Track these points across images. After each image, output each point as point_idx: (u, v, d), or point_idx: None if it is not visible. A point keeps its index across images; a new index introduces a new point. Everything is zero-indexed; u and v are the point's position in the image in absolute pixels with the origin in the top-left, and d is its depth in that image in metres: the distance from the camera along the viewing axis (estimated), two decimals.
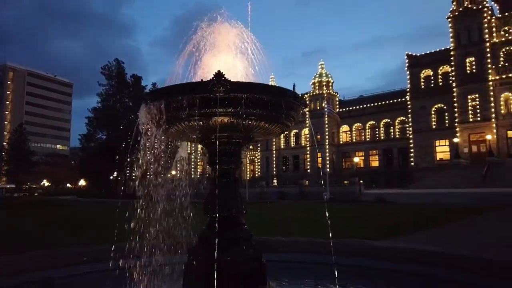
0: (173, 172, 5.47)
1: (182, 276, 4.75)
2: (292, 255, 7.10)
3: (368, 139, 63.62)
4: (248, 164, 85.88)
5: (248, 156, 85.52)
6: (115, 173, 58.49)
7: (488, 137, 44.59)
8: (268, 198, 38.36)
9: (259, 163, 75.98)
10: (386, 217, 17.05)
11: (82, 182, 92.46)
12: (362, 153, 63.75)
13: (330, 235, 5.57)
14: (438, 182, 40.57)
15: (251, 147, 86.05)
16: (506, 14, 47.20)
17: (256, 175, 75.02)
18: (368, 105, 63.94)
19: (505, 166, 40.54)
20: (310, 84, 69.16)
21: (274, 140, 71.40)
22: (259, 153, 75.50)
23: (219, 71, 3.95)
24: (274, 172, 71.31)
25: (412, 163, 53.42)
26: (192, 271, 4.52)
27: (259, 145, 73.91)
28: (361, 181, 37.96)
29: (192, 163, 77.27)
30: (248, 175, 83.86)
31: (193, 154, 74.93)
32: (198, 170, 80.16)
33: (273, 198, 39.75)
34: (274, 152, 71.82)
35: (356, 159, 61.65)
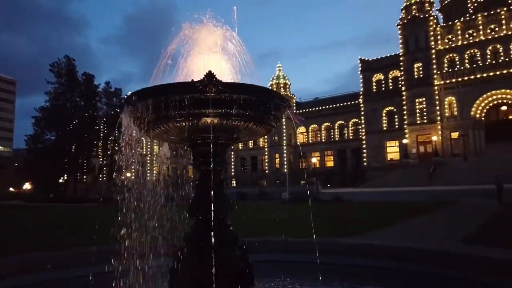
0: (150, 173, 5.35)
1: (167, 279, 4.66)
2: (267, 255, 7.17)
3: (323, 140, 65.46)
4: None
5: None
6: (66, 175, 55.55)
7: (434, 138, 47.63)
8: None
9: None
10: (348, 215, 17.67)
11: (27, 186, 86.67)
12: (318, 154, 65.49)
13: (316, 234, 5.70)
14: (389, 181, 42.64)
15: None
16: (450, 23, 50.63)
17: None
18: (324, 107, 65.85)
19: (449, 165, 43.47)
20: (267, 86, 69.79)
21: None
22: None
23: (210, 71, 3.91)
24: (233, 173, 71.28)
25: (365, 163, 55.72)
26: (179, 274, 4.44)
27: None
28: (318, 181, 39.02)
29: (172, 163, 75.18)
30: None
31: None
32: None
33: (233, 199, 39.76)
34: (232, 153, 71.74)
35: (313, 160, 63.20)
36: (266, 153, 67.76)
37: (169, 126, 4.23)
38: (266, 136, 68.29)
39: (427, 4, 51.49)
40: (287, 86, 69.49)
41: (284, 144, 64.22)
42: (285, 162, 63.22)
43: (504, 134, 45.06)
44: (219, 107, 3.95)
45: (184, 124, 4.13)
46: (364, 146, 56.09)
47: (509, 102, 45.80)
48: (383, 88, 54.37)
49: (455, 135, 47.41)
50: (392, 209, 20.09)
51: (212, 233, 4.42)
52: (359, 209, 21.01)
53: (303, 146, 66.40)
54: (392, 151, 53.84)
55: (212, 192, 4.59)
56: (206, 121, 4.13)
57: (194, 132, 4.40)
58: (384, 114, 54.52)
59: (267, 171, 66.55)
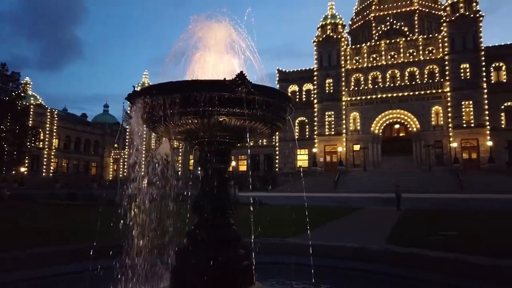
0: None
1: (170, 276, 4.55)
2: None
3: (238, 145, 66.56)
4: (111, 164, 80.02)
5: (112, 155, 79.79)
6: None
7: (339, 149, 52.06)
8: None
9: (125, 163, 71.50)
10: (275, 217, 18.43)
11: None
12: (232, 158, 66.43)
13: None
14: (299, 187, 45.33)
15: (115, 145, 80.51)
16: (358, 46, 56.09)
17: (120, 175, 70.47)
18: None
19: (351, 174, 47.93)
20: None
21: (145, 140, 68.40)
22: (125, 153, 71.09)
23: (241, 71, 4.00)
24: (143, 173, 68.22)
25: (277, 169, 58.28)
26: (183, 272, 4.38)
27: (126, 143, 69.77)
28: (235, 185, 39.65)
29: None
30: (110, 175, 78.09)
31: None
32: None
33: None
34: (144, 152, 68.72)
35: (233, 163, 63.95)
36: (181, 154, 66.50)
37: (187, 122, 4.17)
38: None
39: (339, 26, 56.28)
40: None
41: None
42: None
43: (396, 149, 51.46)
44: (247, 108, 4.04)
45: (203, 121, 4.12)
46: (277, 152, 58.66)
47: (402, 121, 52.36)
48: (297, 99, 57.65)
49: (357, 147, 52.45)
50: (310, 213, 21.46)
51: (215, 232, 4.46)
52: (282, 212, 22.00)
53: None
54: (302, 158, 57.30)
55: (216, 191, 4.63)
56: (225, 120, 4.17)
57: (207, 130, 4.40)
58: (296, 124, 57.79)
59: (180, 173, 65.27)
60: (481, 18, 48.82)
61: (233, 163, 62.88)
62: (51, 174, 64.79)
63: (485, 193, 33.25)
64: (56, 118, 67.19)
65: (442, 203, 28.47)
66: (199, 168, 4.82)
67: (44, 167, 64.39)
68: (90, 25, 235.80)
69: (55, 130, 66.80)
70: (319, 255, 7.02)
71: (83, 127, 75.28)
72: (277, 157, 58.61)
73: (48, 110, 65.97)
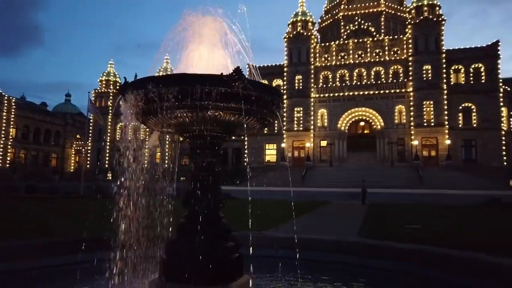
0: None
1: (159, 269, 4.58)
2: None
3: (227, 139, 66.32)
4: (73, 155, 77.08)
5: (74, 146, 76.85)
6: None
7: (307, 144, 53.02)
8: (107, 193, 35.82)
9: (89, 155, 69.19)
10: (246, 211, 18.60)
11: None
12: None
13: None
14: (267, 181, 45.81)
15: (78, 136, 77.51)
16: (327, 44, 57.12)
17: (84, 167, 68.07)
18: None
19: (317, 169, 48.99)
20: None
21: (109, 130, 66.47)
22: (89, 144, 68.77)
23: (238, 67, 4.08)
24: (107, 166, 66.28)
25: (245, 163, 58.49)
26: (173, 264, 4.43)
27: (90, 134, 67.49)
28: None
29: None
30: (71, 167, 75.28)
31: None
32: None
33: (112, 193, 37.25)
34: (108, 143, 66.75)
35: None
36: (147, 146, 65.19)
37: (183, 115, 4.20)
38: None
39: (310, 24, 57.03)
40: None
41: (168, 140, 62.80)
42: (167, 157, 61.96)
43: (361, 145, 53.10)
44: (243, 103, 4.12)
45: (199, 114, 4.17)
46: (245, 146, 58.83)
47: (367, 119, 54.01)
48: None
49: (324, 143, 53.61)
50: (281, 206, 21.84)
51: (206, 224, 4.53)
52: (252, 206, 22.23)
53: (184, 142, 65.93)
54: (270, 153, 57.83)
55: (207, 184, 4.70)
56: (220, 114, 4.24)
57: (201, 124, 4.45)
58: None
59: (146, 165, 63.97)
60: (443, 22, 51.12)
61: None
62: (7, 165, 61.53)
63: (443, 189, 35.13)
64: (14, 106, 63.78)
65: (404, 198, 29.81)
66: (190, 161, 4.85)
67: (0, 157, 61.05)
68: (52, 11, 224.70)
69: (12, 119, 63.42)
70: (298, 248, 7.24)
71: (43, 116, 71.86)
72: (246, 151, 58.82)
73: (6, 98, 62.48)
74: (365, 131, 54.99)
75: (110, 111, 67.51)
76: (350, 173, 44.02)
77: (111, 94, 68.41)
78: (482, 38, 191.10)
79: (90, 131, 66.68)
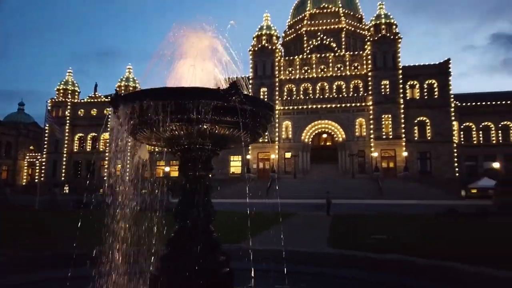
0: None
1: (149, 285, 4.46)
2: None
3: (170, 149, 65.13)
4: (25, 168, 72.83)
5: (27, 158, 72.71)
6: None
7: (272, 156, 53.55)
8: (63, 207, 34.12)
9: (43, 167, 65.67)
10: (218, 223, 18.44)
11: None
12: (163, 163, 64.71)
13: None
14: (233, 192, 45.65)
15: (31, 147, 73.41)
16: (291, 58, 58.44)
17: (37, 180, 64.52)
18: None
19: (282, 181, 49.48)
20: (115, 87, 65.77)
21: (66, 141, 63.61)
22: (44, 156, 65.35)
23: (234, 81, 4.13)
24: (63, 178, 63.22)
25: (209, 175, 57.99)
26: (163, 280, 4.34)
27: (45, 146, 64.21)
28: (169, 191, 38.72)
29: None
30: (24, 180, 71.07)
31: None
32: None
33: (70, 207, 35.47)
34: (64, 155, 63.77)
35: (167, 169, 62.11)
36: (107, 158, 62.94)
37: (178, 128, 4.18)
38: (107, 140, 63.48)
39: (274, 37, 58.21)
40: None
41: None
42: (128, 169, 60.16)
43: (323, 157, 54.37)
44: (240, 117, 4.15)
45: (194, 128, 4.16)
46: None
47: (329, 131, 55.52)
48: None
49: (288, 155, 54.36)
50: (250, 218, 21.77)
51: (196, 239, 4.49)
52: (220, 218, 22.04)
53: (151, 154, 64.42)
54: (235, 165, 57.73)
55: (198, 198, 4.66)
56: (215, 127, 4.25)
57: (194, 137, 4.43)
58: None
59: (106, 178, 61.67)
60: (400, 40, 54.01)
61: (167, 169, 61.53)
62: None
63: (402, 199, 36.65)
64: None
65: (366, 209, 30.75)
66: (181, 175, 4.80)
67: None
68: (3, 15, 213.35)
69: None
70: (272, 260, 7.25)
71: None
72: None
73: None
74: (328, 143, 56.45)
75: (68, 121, 64.78)
76: (313, 185, 44.85)
77: (69, 103, 65.83)
78: (433, 56, 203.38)
79: (45, 142, 63.47)
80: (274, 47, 56.91)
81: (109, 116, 4.34)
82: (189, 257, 4.30)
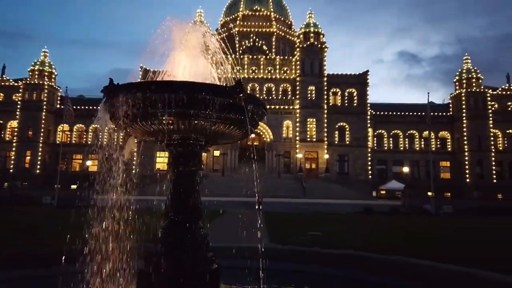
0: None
1: (137, 281, 4.39)
2: None
3: (89, 142, 60.93)
4: None
5: None
6: None
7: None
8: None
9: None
10: (148, 221, 17.83)
11: None
12: (80, 156, 60.28)
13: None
14: (159, 190, 44.41)
15: None
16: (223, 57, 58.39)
17: None
18: (93, 107, 61.70)
19: (210, 178, 49.43)
20: (27, 70, 59.51)
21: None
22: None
23: (239, 80, 4.26)
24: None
25: (133, 171, 55.62)
26: (152, 276, 4.31)
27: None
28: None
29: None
30: None
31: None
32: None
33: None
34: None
35: (88, 163, 57.67)
36: (14, 148, 56.69)
37: (184, 123, 4.16)
38: (16, 129, 57.29)
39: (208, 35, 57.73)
40: (53, 76, 61.31)
41: (41, 141, 55.79)
42: (39, 162, 54.92)
43: (251, 156, 55.45)
44: (242, 113, 4.27)
45: (200, 123, 4.18)
46: (134, 154, 55.92)
47: (258, 131, 56.80)
48: None
49: (217, 153, 54.45)
50: None
51: (185, 235, 4.53)
52: (151, 216, 21.38)
53: (66, 146, 59.49)
54: (162, 161, 56.12)
55: (188, 193, 4.68)
56: (219, 124, 4.31)
57: (190, 132, 4.45)
58: None
59: (11, 171, 55.51)
60: (326, 49, 57.41)
61: (88, 162, 57.45)
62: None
63: (324, 199, 39.09)
64: None
65: (293, 207, 32.22)
66: (171, 170, 4.75)
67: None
68: None
69: None
70: (223, 257, 7.37)
71: None
72: (135, 158, 55.91)
73: None
74: (255, 143, 57.70)
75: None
76: (241, 183, 45.54)
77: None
78: (347, 67, 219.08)
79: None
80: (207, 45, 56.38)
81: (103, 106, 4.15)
82: (177, 252, 4.29)
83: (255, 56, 57.84)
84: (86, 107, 61.17)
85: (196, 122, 4.04)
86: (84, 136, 61.58)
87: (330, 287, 6.80)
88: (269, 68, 57.72)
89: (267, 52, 59.99)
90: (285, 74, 57.80)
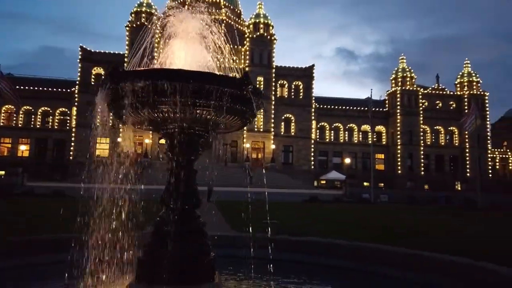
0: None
1: (136, 269, 4.39)
2: None
3: (20, 125, 56.19)
4: None
5: None
6: None
7: (146, 141, 51.48)
8: None
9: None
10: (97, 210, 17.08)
11: None
12: (9, 140, 55.40)
13: None
14: (100, 178, 42.39)
15: None
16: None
17: None
18: (24, 87, 56.72)
19: (155, 167, 48.21)
20: None
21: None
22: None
23: (246, 72, 4.37)
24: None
25: (71, 157, 52.41)
26: (150, 264, 4.34)
27: None
28: (24, 172, 33.69)
29: None
30: None
31: None
32: None
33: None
34: None
35: (22, 147, 52.88)
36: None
37: (196, 112, 4.18)
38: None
39: (154, 17, 55.55)
40: None
41: None
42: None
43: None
44: (243, 104, 4.38)
45: (207, 113, 4.23)
46: (72, 139, 52.71)
47: None
48: None
49: (162, 141, 52.94)
50: (135, 206, 20.85)
51: (183, 223, 4.60)
52: (99, 205, 20.49)
53: None
54: (102, 147, 53.46)
55: (185, 182, 4.73)
56: (225, 113, 4.38)
57: (188, 121, 4.46)
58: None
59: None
60: (275, 41, 58.16)
61: (6, 147, 53.15)
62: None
63: (270, 188, 40.04)
64: None
65: (241, 195, 32.53)
66: (169, 158, 4.74)
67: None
68: None
69: None
70: None
71: None
72: (73, 143, 52.72)
73: None
74: None
75: None
76: None
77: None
78: (290, 60, 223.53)
79: None
80: (154, 27, 54.29)
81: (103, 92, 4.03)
82: (175, 241, 4.33)
83: None
84: (18, 87, 56.14)
85: (203, 112, 4.08)
86: (14, 118, 56.55)
87: (306, 274, 7.17)
88: (218, 56, 57.08)
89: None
90: (234, 63, 57.54)
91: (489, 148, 65.46)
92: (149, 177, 42.83)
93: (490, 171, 64.40)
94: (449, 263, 5.99)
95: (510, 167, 70.90)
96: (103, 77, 48.71)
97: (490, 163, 65.35)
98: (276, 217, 17.34)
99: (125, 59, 52.86)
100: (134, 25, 53.50)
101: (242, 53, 57.75)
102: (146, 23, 53.72)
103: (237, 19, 70.53)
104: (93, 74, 54.43)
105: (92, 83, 53.96)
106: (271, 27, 58.67)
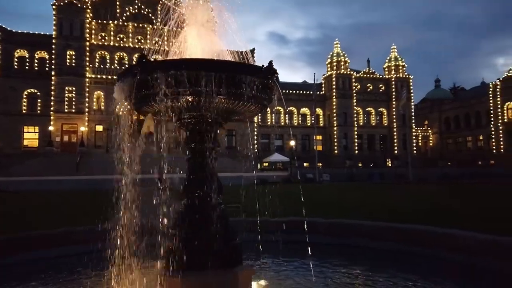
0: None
1: (165, 257, 4.42)
2: None
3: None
4: None
5: None
6: None
7: (82, 128, 48.34)
8: None
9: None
10: (58, 205, 15.99)
11: None
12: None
13: None
14: (30, 170, 39.12)
15: None
16: (104, 22, 53.25)
17: None
18: None
19: (93, 156, 45.66)
20: None
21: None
22: None
23: (271, 61, 4.50)
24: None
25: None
26: (178, 252, 4.36)
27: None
28: None
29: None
30: None
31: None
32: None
33: None
34: None
35: None
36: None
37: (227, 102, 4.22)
38: None
39: None
40: None
41: None
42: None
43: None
44: (266, 93, 4.51)
45: (238, 102, 4.29)
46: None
47: None
48: (27, 67, 48.89)
49: (99, 128, 50.26)
50: (78, 198, 19.80)
51: (207, 212, 4.68)
52: (38, 200, 19.12)
53: None
54: (30, 137, 49.31)
55: (207, 171, 4.78)
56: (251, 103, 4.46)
57: (216, 110, 4.52)
58: (24, 96, 49.02)
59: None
60: None
61: None
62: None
63: (218, 172, 40.11)
64: None
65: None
66: (187, 148, 4.74)
67: None
68: None
69: None
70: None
71: None
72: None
73: None
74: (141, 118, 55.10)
75: None
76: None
77: None
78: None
79: None
80: (84, 6, 50.58)
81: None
82: (211, 226, 4.43)
83: (140, 25, 54.17)
84: None
85: (233, 101, 4.16)
86: None
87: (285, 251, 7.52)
88: (156, 39, 54.79)
89: (154, 21, 56.76)
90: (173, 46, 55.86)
91: (413, 127, 71.59)
92: (87, 166, 40.44)
93: (414, 148, 70.64)
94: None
95: (431, 144, 78.52)
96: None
97: (414, 141, 71.63)
98: (236, 201, 17.67)
99: (53, 41, 48.62)
100: (62, 3, 49.18)
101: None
102: (75, 1, 49.79)
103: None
104: (16, 57, 49.36)
105: (16, 67, 49.06)
106: None
